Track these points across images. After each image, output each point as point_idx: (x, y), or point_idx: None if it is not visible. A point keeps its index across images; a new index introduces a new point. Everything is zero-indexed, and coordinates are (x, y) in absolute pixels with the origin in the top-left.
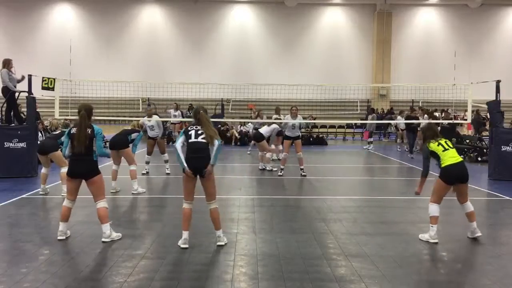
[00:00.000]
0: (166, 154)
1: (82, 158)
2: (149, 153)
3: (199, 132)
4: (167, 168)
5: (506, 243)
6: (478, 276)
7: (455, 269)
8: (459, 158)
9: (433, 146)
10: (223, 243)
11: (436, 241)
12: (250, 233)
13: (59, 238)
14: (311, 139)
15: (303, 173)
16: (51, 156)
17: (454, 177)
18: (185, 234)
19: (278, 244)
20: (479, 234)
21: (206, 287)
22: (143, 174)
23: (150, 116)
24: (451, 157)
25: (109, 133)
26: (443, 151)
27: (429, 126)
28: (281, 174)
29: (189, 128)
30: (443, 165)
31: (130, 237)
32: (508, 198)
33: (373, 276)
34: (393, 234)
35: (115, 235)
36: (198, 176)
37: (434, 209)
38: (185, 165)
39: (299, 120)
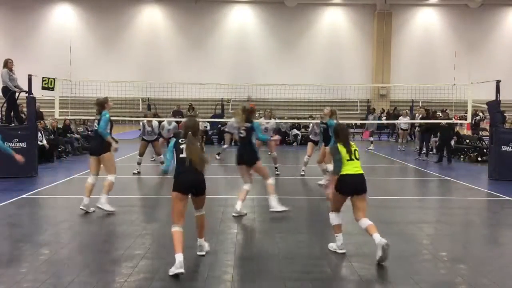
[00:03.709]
0: (162, 156)
1: (94, 137)
2: (141, 154)
3: None
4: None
5: (506, 243)
6: (478, 276)
7: (455, 269)
8: (360, 171)
9: (342, 151)
10: (203, 253)
11: (344, 251)
12: (250, 233)
13: (81, 207)
14: None
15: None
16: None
17: (349, 187)
18: (178, 257)
19: (278, 244)
20: (384, 241)
21: (206, 287)
22: (134, 174)
23: (150, 121)
24: (354, 167)
25: None
26: (348, 160)
27: (344, 127)
28: (278, 173)
29: (180, 141)
30: (341, 173)
31: (130, 237)
32: (508, 198)
33: (373, 276)
34: (393, 234)
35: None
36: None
37: (333, 218)
38: (168, 166)
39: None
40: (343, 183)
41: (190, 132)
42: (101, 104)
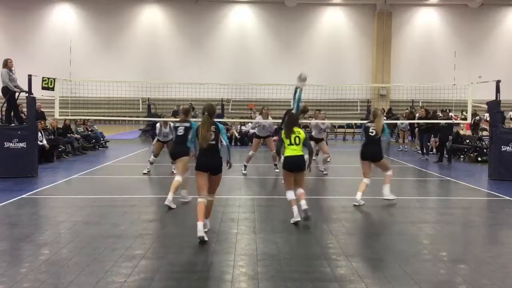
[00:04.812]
0: None
1: (177, 143)
2: (156, 155)
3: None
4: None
5: (506, 243)
6: (478, 276)
7: (455, 269)
8: (299, 152)
9: (284, 137)
10: (206, 230)
11: (298, 219)
12: (250, 233)
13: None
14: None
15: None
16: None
17: (290, 166)
18: (199, 225)
19: (278, 244)
20: (306, 207)
21: (206, 287)
22: (144, 173)
23: (166, 122)
24: (293, 150)
25: (109, 133)
26: (289, 145)
27: (290, 116)
28: (278, 171)
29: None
30: (285, 155)
31: (130, 237)
32: (508, 198)
33: (373, 276)
34: (393, 234)
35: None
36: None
37: (288, 195)
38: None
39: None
40: (286, 163)
41: (206, 113)
42: (186, 113)
